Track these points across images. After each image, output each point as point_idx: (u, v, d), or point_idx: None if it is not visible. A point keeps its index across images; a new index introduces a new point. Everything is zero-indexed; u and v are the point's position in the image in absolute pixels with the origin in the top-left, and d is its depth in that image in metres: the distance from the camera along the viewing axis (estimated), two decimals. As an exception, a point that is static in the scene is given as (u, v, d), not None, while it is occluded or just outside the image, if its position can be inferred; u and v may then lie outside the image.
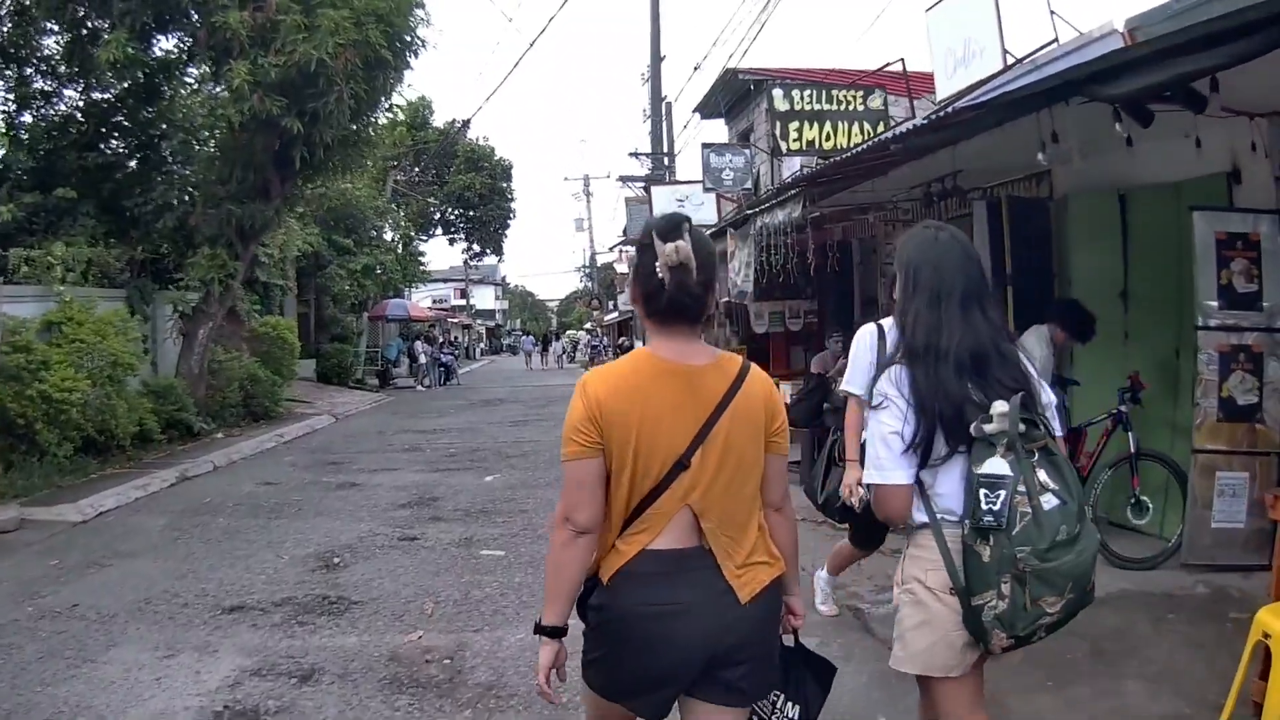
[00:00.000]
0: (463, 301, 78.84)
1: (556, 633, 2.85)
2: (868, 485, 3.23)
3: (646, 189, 23.42)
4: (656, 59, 28.56)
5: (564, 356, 57.82)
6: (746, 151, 18.06)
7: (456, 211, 51.78)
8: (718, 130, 27.14)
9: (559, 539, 2.83)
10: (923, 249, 3.29)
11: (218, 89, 16.90)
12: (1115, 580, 6.80)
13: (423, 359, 36.05)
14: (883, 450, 3.11)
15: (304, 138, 16.06)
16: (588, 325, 58.80)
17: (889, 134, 7.58)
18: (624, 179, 32.38)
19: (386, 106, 18.25)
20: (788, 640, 3.17)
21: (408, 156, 45.81)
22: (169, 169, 18.24)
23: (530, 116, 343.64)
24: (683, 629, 2.77)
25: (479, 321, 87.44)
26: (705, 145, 17.84)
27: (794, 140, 13.94)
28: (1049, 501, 2.89)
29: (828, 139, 14.10)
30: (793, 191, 10.74)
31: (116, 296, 16.68)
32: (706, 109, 26.69)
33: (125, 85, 17.07)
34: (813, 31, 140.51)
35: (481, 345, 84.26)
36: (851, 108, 14.04)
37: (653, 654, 2.81)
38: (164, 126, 18.08)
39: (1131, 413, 7.55)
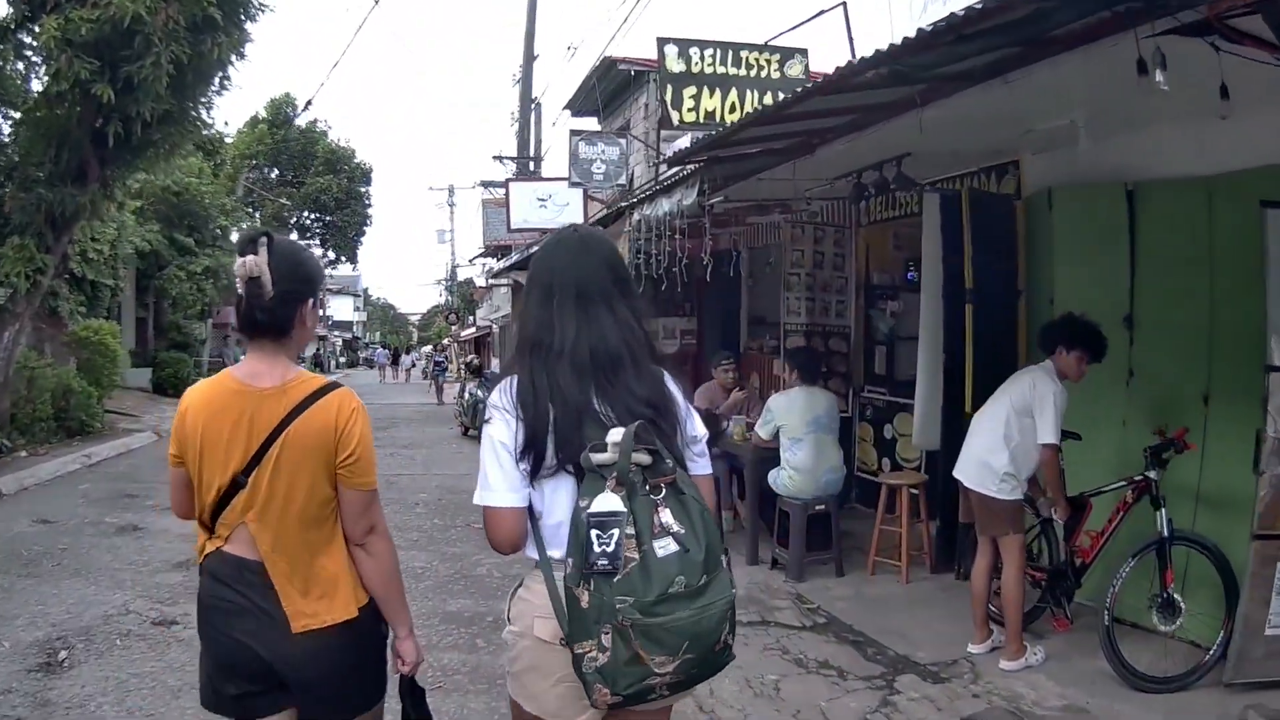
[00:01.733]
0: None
1: None
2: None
3: (505, 189, 21.59)
4: (529, 55, 26.92)
5: (412, 370, 58.74)
6: (621, 142, 16.19)
7: (313, 216, 50.10)
8: (591, 128, 25.37)
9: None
10: (544, 249, 3.11)
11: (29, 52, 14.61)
12: (1136, 708, 5.41)
13: None
14: (491, 466, 2.79)
15: (119, 110, 13.75)
16: (445, 340, 57.17)
17: (861, 59, 5.70)
18: (485, 184, 31.54)
19: (218, 83, 15.78)
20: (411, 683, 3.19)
21: (268, 156, 44.95)
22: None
23: (394, 123, 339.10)
24: (236, 627, 2.88)
25: (335, 333, 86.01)
26: (574, 132, 15.97)
27: (688, 110, 11.99)
28: (665, 548, 2.58)
29: (732, 110, 12.16)
30: (688, 169, 8.95)
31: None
32: (580, 105, 24.67)
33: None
34: (710, 20, 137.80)
35: (340, 358, 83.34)
36: (765, 74, 12.15)
37: (212, 643, 2.96)
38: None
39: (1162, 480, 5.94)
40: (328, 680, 2.92)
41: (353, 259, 55.54)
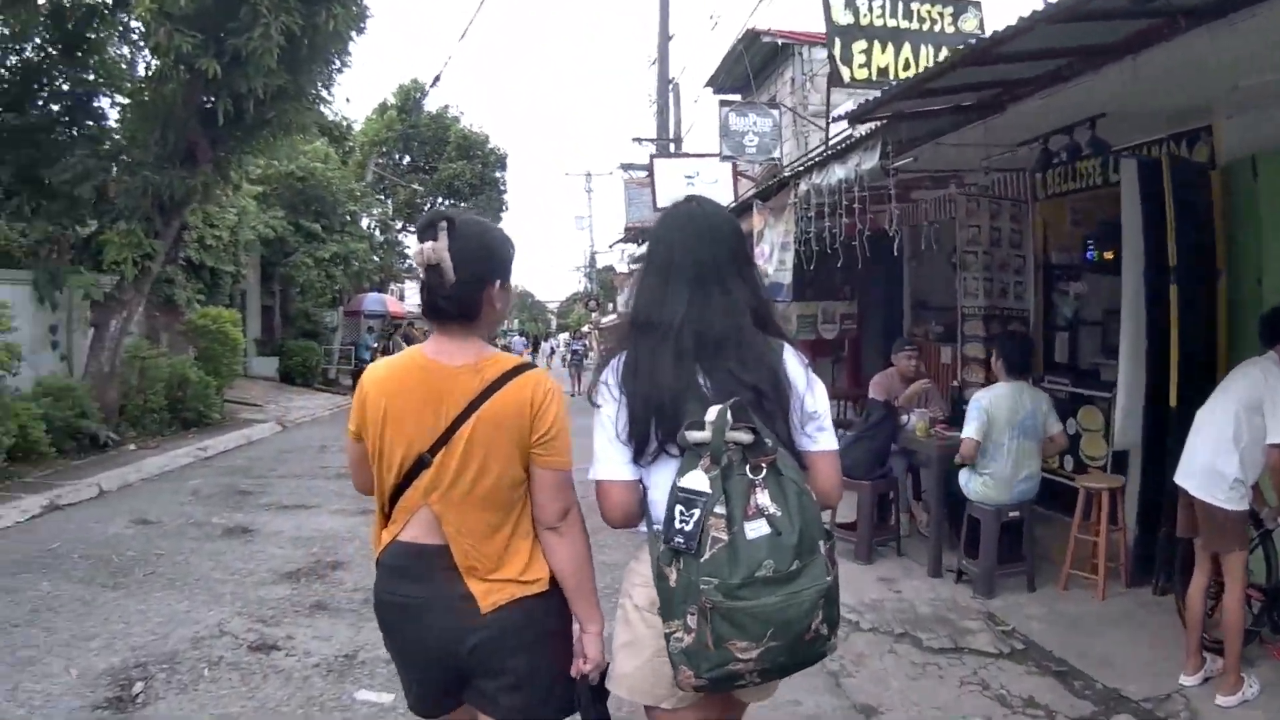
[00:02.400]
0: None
1: None
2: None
3: (650, 168, 20.75)
4: (664, 35, 25.98)
5: (552, 356, 56.96)
6: (774, 114, 15.30)
7: (447, 203, 48.37)
8: (731, 111, 24.45)
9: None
10: (663, 223, 3.02)
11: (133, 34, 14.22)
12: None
13: None
14: (601, 441, 2.80)
15: (227, 86, 13.13)
16: (585, 328, 56.81)
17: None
18: (626, 166, 30.64)
19: (338, 60, 15.15)
20: (593, 678, 2.98)
21: (397, 143, 44.66)
22: (90, 131, 15.22)
23: (528, 110, 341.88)
24: (417, 623, 2.85)
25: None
26: (724, 103, 15.09)
27: (859, 66, 10.97)
28: (757, 530, 2.51)
29: (906, 67, 11.08)
30: (862, 131, 7.89)
31: (21, 280, 14.02)
32: (722, 81, 23.60)
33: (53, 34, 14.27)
34: None
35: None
36: (938, 28, 11.10)
37: (398, 643, 2.96)
38: (94, 80, 15.15)
39: None
40: (522, 658, 2.87)
41: (490, 247, 54.82)
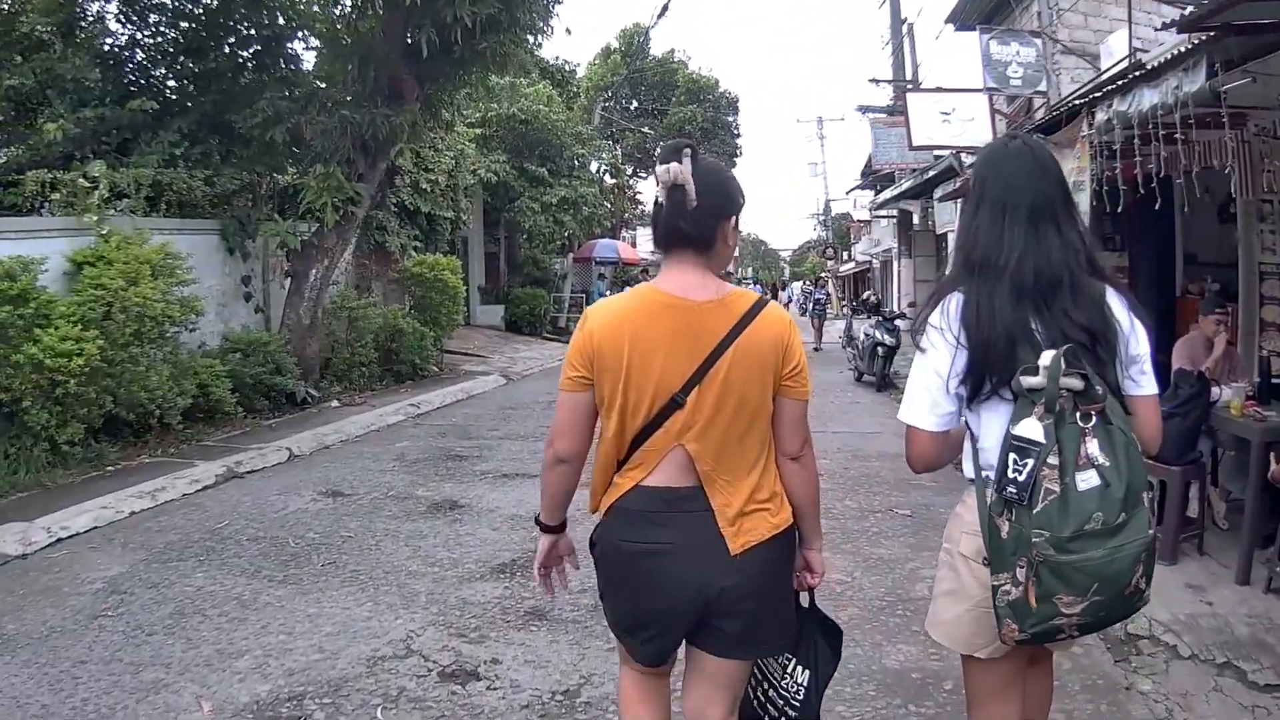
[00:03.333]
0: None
1: (551, 529, 3.07)
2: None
3: (900, 103, 19.41)
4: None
5: (789, 305, 54.25)
6: (1037, 43, 13.74)
7: None
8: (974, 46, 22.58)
9: (546, 460, 2.97)
10: (991, 159, 2.94)
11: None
12: None
13: None
14: (918, 385, 2.80)
15: (429, 16, 12.15)
16: (822, 274, 55.51)
17: None
18: (864, 109, 28.31)
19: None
20: (805, 599, 3.17)
21: (624, 88, 44.16)
22: (282, 73, 14.61)
23: (760, 55, 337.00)
24: (667, 570, 2.80)
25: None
26: (984, 29, 13.64)
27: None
28: (1087, 480, 2.46)
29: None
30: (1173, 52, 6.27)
31: (208, 229, 13.28)
32: (964, 15, 21.58)
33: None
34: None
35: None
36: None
37: (639, 593, 2.87)
38: (284, 24, 14.41)
39: None
40: (762, 598, 2.87)
41: (725, 191, 54.15)
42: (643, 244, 52.13)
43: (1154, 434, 2.79)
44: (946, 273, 3.00)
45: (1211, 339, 7.56)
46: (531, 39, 14.94)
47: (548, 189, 27.08)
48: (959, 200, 15.92)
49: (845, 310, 35.90)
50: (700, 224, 2.78)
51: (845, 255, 59.87)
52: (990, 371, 2.66)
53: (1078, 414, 2.52)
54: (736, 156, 50.50)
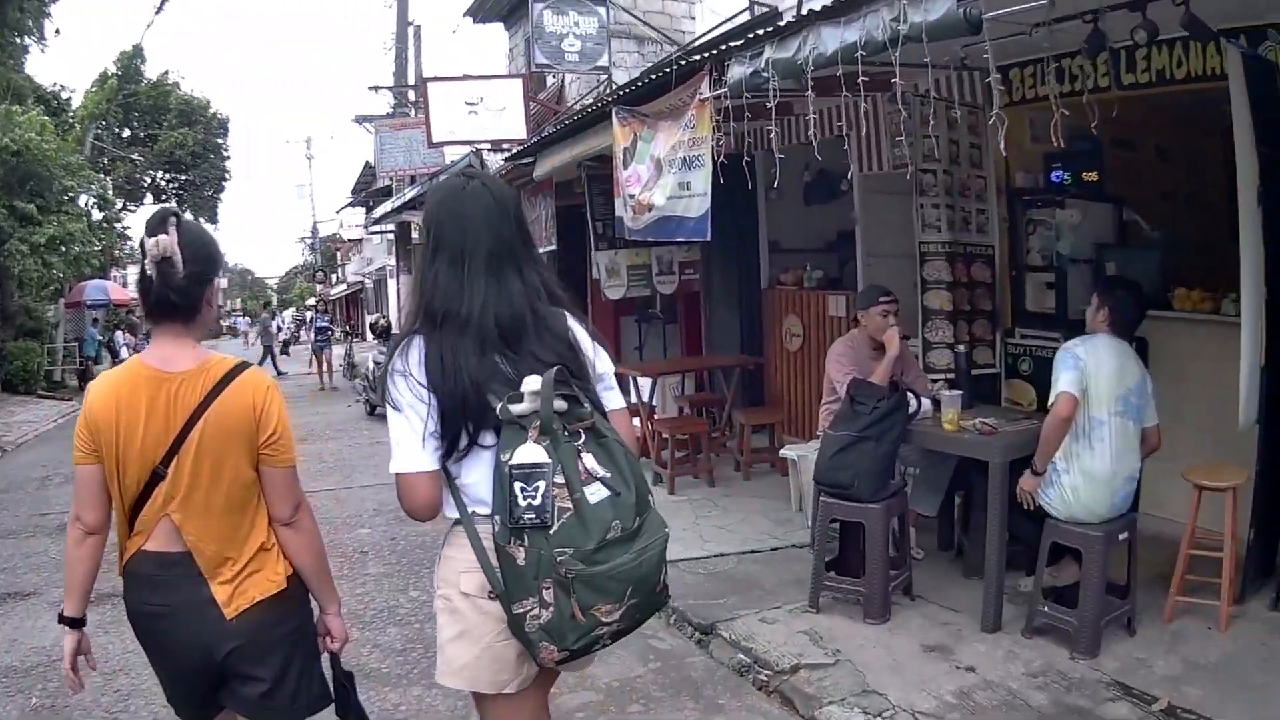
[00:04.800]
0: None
1: (75, 623, 2.99)
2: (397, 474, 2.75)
3: (404, 108, 18.20)
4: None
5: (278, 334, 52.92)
6: (600, 11, 13.06)
7: (168, 175, 45.97)
8: (496, 39, 21.41)
9: (71, 536, 2.96)
10: (446, 202, 2.88)
11: None
12: None
13: (125, 353, 28.55)
14: (403, 430, 2.69)
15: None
16: (309, 301, 53.21)
17: None
18: (361, 119, 28.19)
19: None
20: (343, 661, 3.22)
21: (118, 115, 41.60)
22: None
23: (255, 73, 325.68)
24: (169, 632, 2.87)
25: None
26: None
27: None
28: (596, 493, 2.56)
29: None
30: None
31: None
32: (485, 9, 20.72)
33: None
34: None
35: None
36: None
37: (156, 653, 2.97)
38: None
39: None
40: (272, 661, 2.94)
41: (213, 218, 50.13)
42: (134, 283, 48.39)
43: (631, 441, 2.85)
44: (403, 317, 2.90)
45: (878, 337, 6.72)
46: (20, 39, 12.89)
47: (38, 227, 23.76)
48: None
49: (339, 335, 34.99)
50: (187, 294, 2.85)
51: (335, 278, 59.04)
52: (466, 421, 2.66)
53: (567, 432, 2.60)
54: (226, 180, 49.03)
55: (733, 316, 12.17)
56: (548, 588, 2.50)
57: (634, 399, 11.98)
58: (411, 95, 26.12)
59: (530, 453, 2.52)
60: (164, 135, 42.88)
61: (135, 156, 41.62)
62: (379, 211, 27.54)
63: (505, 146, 14.47)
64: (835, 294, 10.18)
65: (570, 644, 2.53)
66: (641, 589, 2.57)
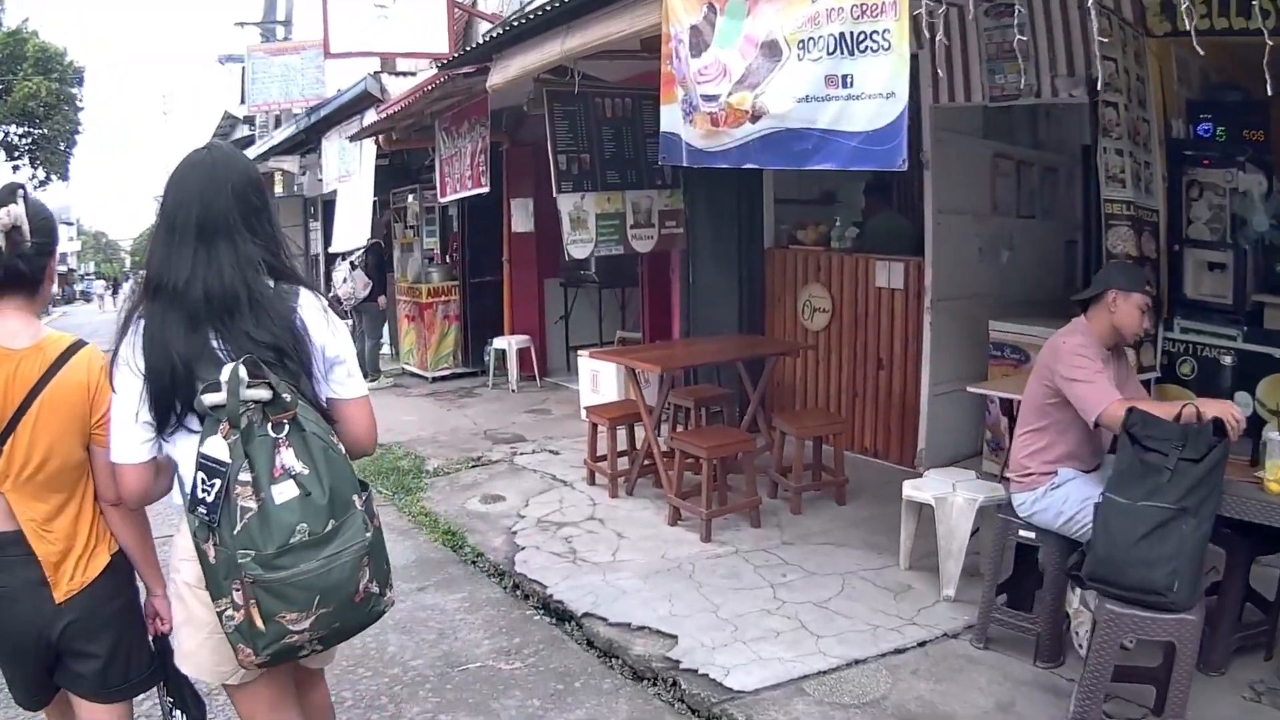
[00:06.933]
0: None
1: None
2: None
3: (286, 34, 15.98)
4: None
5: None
6: None
7: (20, 130, 43.38)
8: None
9: None
10: (173, 174, 2.79)
11: None
12: None
13: None
14: (119, 423, 2.66)
15: None
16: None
17: None
18: (227, 59, 26.62)
19: None
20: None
21: None
22: None
23: (110, 16, 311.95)
24: (5, 613, 2.84)
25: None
26: None
27: None
28: (284, 493, 2.46)
29: None
30: None
31: None
32: None
33: None
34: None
35: (55, 292, 77.35)
36: None
37: None
38: None
39: None
40: (102, 638, 2.95)
41: (64, 175, 47.85)
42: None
43: (364, 435, 2.81)
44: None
45: (1128, 337, 4.74)
46: None
47: None
48: (374, 140, 12.73)
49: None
50: (34, 264, 2.87)
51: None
52: (174, 398, 2.57)
53: (269, 425, 2.49)
54: (79, 133, 46.55)
55: (728, 282, 9.60)
56: (237, 589, 2.41)
57: (589, 390, 10.04)
58: (281, 32, 24.11)
59: (214, 447, 2.44)
60: (18, 85, 40.51)
61: (-16, 109, 38.25)
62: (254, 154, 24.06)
63: (428, 63, 11.92)
64: (887, 260, 8.19)
65: (262, 649, 2.44)
66: (332, 598, 2.45)
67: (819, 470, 7.53)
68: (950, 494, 5.57)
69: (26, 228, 2.80)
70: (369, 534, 2.54)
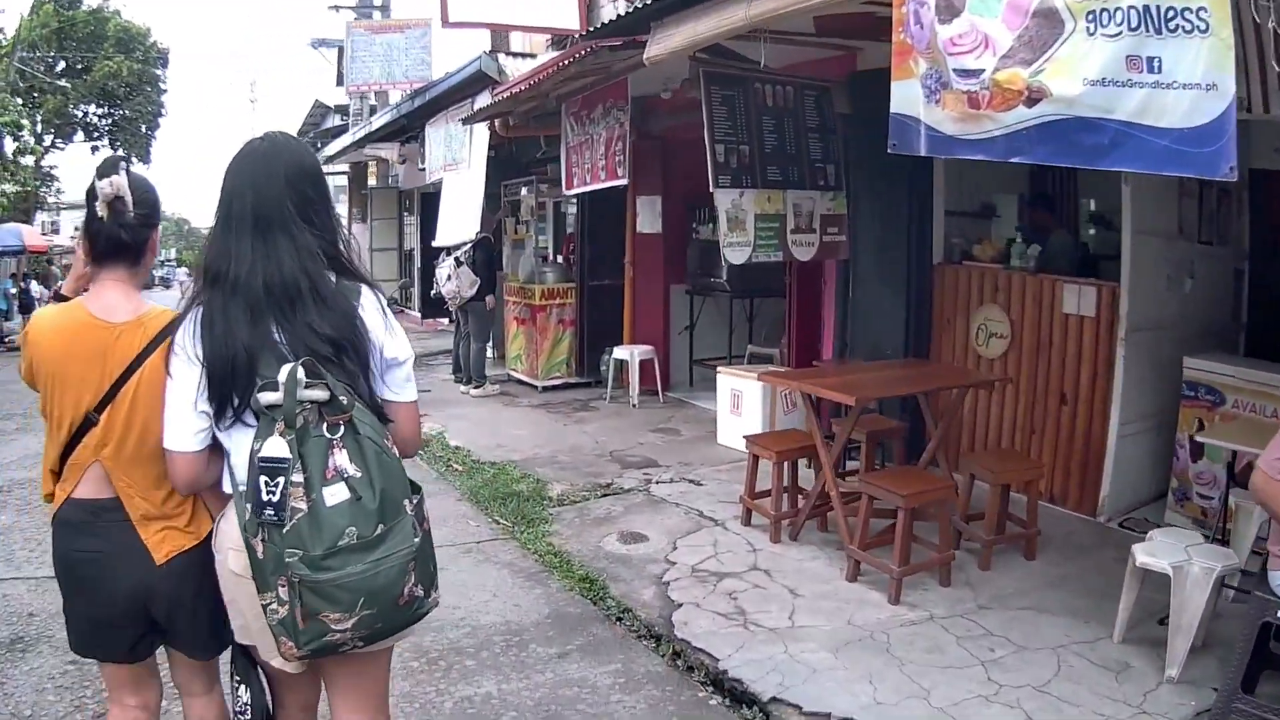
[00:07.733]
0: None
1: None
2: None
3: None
4: None
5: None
6: None
7: (101, 110, 43.14)
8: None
9: None
10: (231, 163, 2.81)
11: None
12: None
13: (40, 307, 24.82)
14: (174, 410, 2.68)
15: None
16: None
17: None
18: (320, 43, 26.19)
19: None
20: None
21: (53, 43, 38.62)
22: None
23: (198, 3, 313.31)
24: (100, 577, 2.89)
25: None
26: None
27: None
28: (336, 495, 2.45)
29: None
30: None
31: None
32: None
33: None
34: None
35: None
36: None
37: (86, 598, 2.93)
38: None
39: None
40: (195, 604, 2.95)
41: (145, 158, 47.03)
42: (62, 228, 45.60)
43: (411, 437, 2.83)
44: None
45: None
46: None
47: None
48: (487, 126, 11.67)
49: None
50: (137, 234, 2.89)
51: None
52: (234, 389, 2.57)
53: (324, 425, 2.48)
54: (162, 116, 46.50)
55: (893, 299, 8.46)
56: (283, 586, 2.41)
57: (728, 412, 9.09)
58: (378, 17, 23.21)
59: (275, 447, 2.43)
60: (99, 65, 39.74)
61: (63, 83, 38.46)
62: (330, 149, 22.36)
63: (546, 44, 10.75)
64: (1077, 283, 7.21)
65: (303, 644, 2.45)
66: (377, 601, 2.45)
67: (1004, 519, 6.53)
68: (1187, 562, 4.77)
69: (130, 198, 2.83)
70: (417, 539, 2.55)
